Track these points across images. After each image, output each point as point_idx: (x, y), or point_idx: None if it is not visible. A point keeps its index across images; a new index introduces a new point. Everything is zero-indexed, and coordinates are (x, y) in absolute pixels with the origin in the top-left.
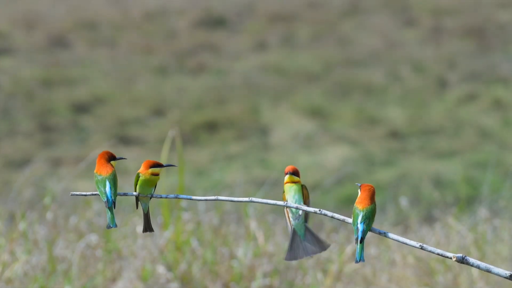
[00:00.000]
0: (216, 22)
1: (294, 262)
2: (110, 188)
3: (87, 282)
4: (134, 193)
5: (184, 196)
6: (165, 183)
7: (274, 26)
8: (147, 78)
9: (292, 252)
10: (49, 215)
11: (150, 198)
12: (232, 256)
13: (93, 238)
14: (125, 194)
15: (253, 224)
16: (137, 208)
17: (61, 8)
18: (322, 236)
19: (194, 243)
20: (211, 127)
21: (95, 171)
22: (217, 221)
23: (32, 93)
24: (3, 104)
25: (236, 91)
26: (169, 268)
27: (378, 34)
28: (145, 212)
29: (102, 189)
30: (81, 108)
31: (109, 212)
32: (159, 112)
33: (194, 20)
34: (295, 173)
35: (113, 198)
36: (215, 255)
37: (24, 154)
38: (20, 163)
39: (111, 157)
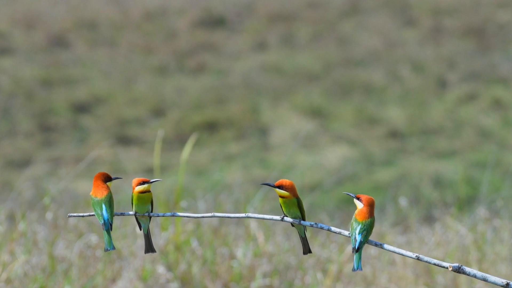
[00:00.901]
0: (216, 22)
1: (293, 262)
2: (106, 210)
3: (87, 282)
4: (131, 212)
5: (181, 214)
6: (165, 184)
7: (274, 26)
8: (147, 78)
9: (303, 247)
10: (48, 215)
11: (150, 218)
12: (232, 256)
13: (93, 238)
14: (122, 214)
15: (252, 224)
16: (140, 229)
17: (61, 8)
18: (322, 236)
19: (194, 243)
20: (211, 127)
21: (91, 193)
22: (217, 221)
23: (32, 93)
24: (3, 104)
25: (236, 91)
26: (169, 268)
27: (378, 34)
28: (145, 233)
29: (99, 211)
30: (81, 108)
31: (106, 235)
32: (159, 112)
33: (194, 20)
34: (280, 187)
35: (110, 220)
36: (215, 255)
37: (24, 154)
38: (20, 163)
39: (106, 178)
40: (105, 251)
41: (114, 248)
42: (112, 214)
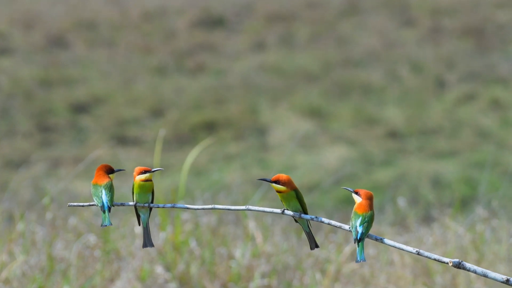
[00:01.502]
0: (214, 22)
1: (292, 262)
2: (106, 194)
3: (86, 283)
4: (131, 203)
5: (181, 205)
6: (164, 184)
7: (273, 26)
8: (145, 78)
9: (309, 243)
10: (48, 215)
11: (150, 210)
12: (230, 257)
13: (91, 238)
14: (122, 204)
15: (251, 224)
16: (139, 224)
17: (60, 8)
18: (321, 236)
19: (193, 243)
20: (210, 127)
21: (92, 182)
22: (215, 221)
23: (31, 93)
24: (1, 104)
25: (234, 91)
26: (168, 268)
27: (377, 34)
28: (144, 226)
29: (99, 195)
30: (79, 108)
31: (104, 214)
32: (157, 112)
33: (192, 20)
34: (277, 181)
35: (109, 204)
36: (213, 255)
37: (22, 154)
38: (19, 163)
39: (109, 170)
40: (101, 227)
41: (111, 223)
42: (111, 199)
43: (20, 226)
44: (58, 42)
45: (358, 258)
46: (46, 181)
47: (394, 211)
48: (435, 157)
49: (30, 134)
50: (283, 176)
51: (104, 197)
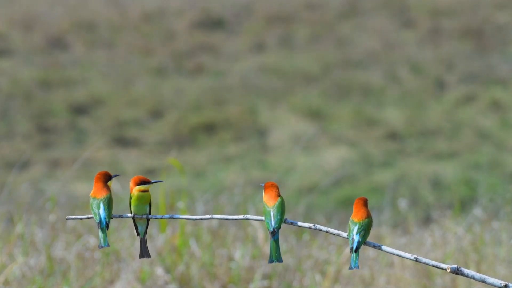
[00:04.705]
0: (214, 23)
1: (292, 264)
2: (104, 210)
3: (85, 284)
4: (129, 214)
5: (179, 216)
6: (164, 185)
7: (272, 27)
8: (145, 79)
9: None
10: (49, 217)
11: (148, 221)
12: (230, 258)
13: (91, 240)
14: (120, 216)
15: (251, 226)
16: (137, 234)
17: (59, 9)
18: (320, 238)
19: (193, 245)
20: (209, 128)
21: (90, 194)
22: (216, 222)
23: (30, 94)
24: (1, 105)
25: (234, 92)
26: (167, 270)
27: (376, 35)
28: (142, 237)
29: (96, 210)
30: (79, 110)
31: (102, 232)
32: (157, 113)
33: (192, 21)
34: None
35: (106, 219)
36: (213, 257)
37: (22, 155)
38: (19, 165)
39: (107, 178)
40: (99, 248)
41: (108, 245)
42: (109, 214)
43: (19, 228)
44: (57, 43)
45: (352, 265)
46: (45, 182)
47: (394, 213)
48: (434, 158)
49: (29, 135)
50: (269, 183)
51: (102, 213)
